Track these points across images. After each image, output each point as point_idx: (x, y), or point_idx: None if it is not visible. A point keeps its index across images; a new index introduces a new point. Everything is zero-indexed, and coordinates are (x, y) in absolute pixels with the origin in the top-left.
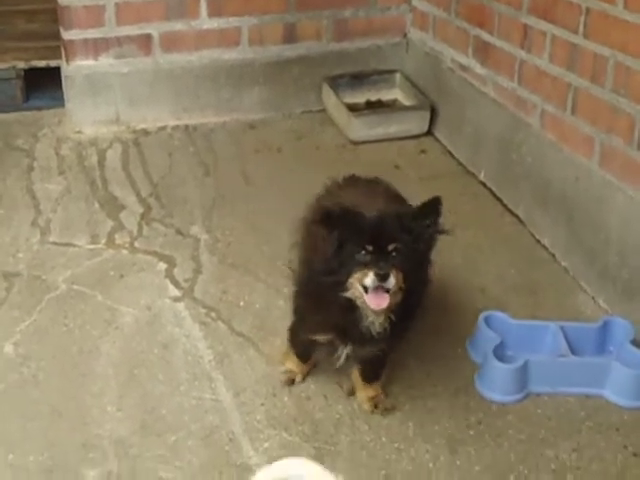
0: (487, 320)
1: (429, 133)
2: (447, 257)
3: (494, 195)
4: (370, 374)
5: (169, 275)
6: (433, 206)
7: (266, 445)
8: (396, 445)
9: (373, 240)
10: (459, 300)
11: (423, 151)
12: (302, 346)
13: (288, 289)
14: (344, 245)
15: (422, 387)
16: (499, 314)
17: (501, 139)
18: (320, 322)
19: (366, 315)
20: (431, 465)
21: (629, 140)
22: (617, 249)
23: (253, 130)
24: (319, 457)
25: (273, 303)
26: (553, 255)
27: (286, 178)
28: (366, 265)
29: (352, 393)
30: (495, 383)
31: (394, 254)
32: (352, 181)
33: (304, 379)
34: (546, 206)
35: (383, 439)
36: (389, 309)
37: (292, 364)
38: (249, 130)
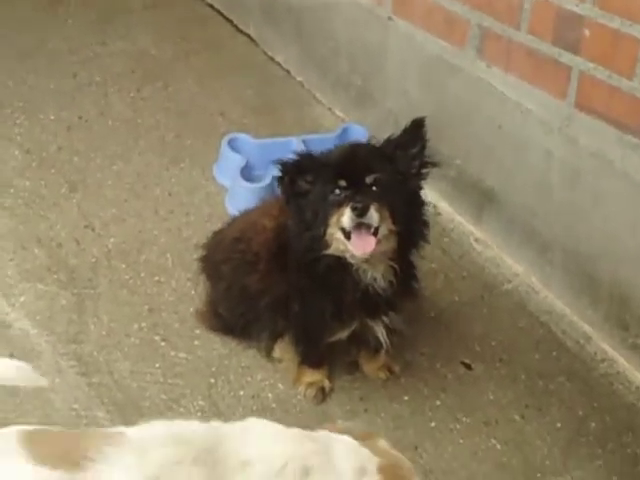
0: (231, 143)
1: None
2: (183, 85)
3: (223, 16)
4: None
5: None
6: (416, 131)
7: (22, 299)
8: (156, 278)
9: (345, 173)
10: (200, 127)
11: None
12: (319, 353)
13: None
14: (311, 191)
15: None
16: (242, 136)
17: None
18: (328, 314)
19: (363, 270)
20: (192, 292)
21: None
22: (347, 56)
23: None
24: (79, 302)
25: None
26: (288, 71)
27: None
28: (341, 204)
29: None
30: (246, 203)
31: (375, 188)
32: None
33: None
34: (275, 22)
35: (142, 274)
36: (384, 255)
37: (311, 376)
38: None
